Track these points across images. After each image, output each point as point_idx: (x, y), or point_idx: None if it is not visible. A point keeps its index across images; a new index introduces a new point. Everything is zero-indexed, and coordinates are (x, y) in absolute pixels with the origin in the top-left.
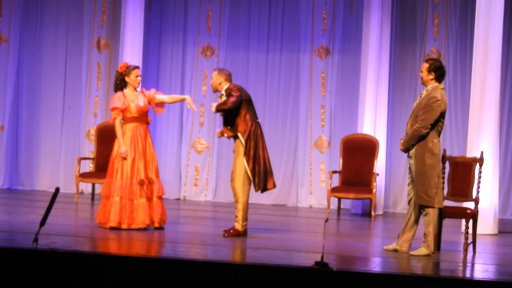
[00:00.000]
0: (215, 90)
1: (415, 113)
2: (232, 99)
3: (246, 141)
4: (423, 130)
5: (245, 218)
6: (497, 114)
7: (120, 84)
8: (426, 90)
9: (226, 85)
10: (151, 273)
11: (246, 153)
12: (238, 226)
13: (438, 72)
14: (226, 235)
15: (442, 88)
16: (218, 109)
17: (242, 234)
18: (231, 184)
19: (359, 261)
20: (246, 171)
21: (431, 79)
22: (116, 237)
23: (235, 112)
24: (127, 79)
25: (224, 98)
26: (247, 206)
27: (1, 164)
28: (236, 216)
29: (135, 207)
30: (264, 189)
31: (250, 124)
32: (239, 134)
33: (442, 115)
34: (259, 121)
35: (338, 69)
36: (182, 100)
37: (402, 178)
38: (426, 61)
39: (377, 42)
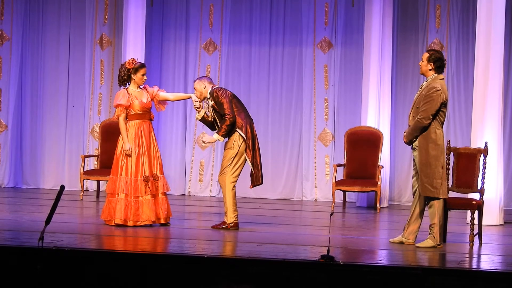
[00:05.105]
0: (203, 98)
1: (416, 105)
2: (226, 106)
3: (246, 134)
4: (425, 121)
5: (232, 212)
6: (501, 105)
7: (127, 79)
8: (426, 81)
9: (209, 88)
10: (157, 270)
11: (248, 146)
12: (226, 219)
13: (437, 63)
14: (213, 226)
15: (442, 79)
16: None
17: (230, 228)
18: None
19: (365, 254)
20: (230, 165)
21: (430, 70)
22: (122, 234)
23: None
24: (133, 76)
25: (211, 102)
26: (233, 199)
27: (6, 163)
28: (225, 211)
29: (140, 204)
30: (257, 183)
31: (245, 119)
32: (237, 130)
33: (443, 105)
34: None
35: (340, 62)
36: (187, 99)
37: (406, 170)
38: (428, 51)
39: (379, 35)
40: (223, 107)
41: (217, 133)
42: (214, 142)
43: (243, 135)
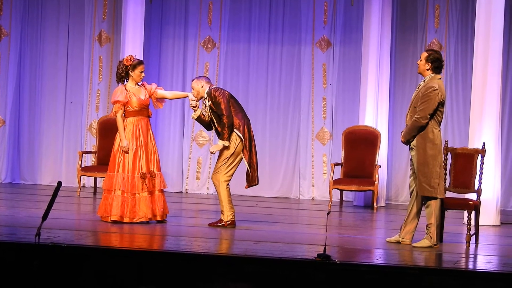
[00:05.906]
0: (200, 97)
1: (414, 105)
2: (223, 106)
3: (243, 135)
4: (422, 121)
5: (229, 210)
6: (499, 105)
7: (125, 76)
8: (424, 81)
9: (206, 88)
10: (153, 267)
11: (245, 146)
12: (223, 217)
13: (435, 63)
14: (210, 224)
15: (439, 78)
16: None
17: (227, 226)
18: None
19: (361, 253)
20: (225, 164)
21: (427, 69)
22: (118, 231)
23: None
24: (131, 73)
25: (208, 102)
26: (228, 197)
27: (3, 159)
28: (221, 209)
29: (137, 201)
30: (253, 184)
31: (242, 119)
32: (235, 130)
33: (441, 104)
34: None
35: (339, 61)
36: (185, 97)
37: (404, 169)
38: (426, 50)
39: (378, 34)
40: (220, 107)
41: (221, 139)
42: (221, 148)
43: (241, 135)
